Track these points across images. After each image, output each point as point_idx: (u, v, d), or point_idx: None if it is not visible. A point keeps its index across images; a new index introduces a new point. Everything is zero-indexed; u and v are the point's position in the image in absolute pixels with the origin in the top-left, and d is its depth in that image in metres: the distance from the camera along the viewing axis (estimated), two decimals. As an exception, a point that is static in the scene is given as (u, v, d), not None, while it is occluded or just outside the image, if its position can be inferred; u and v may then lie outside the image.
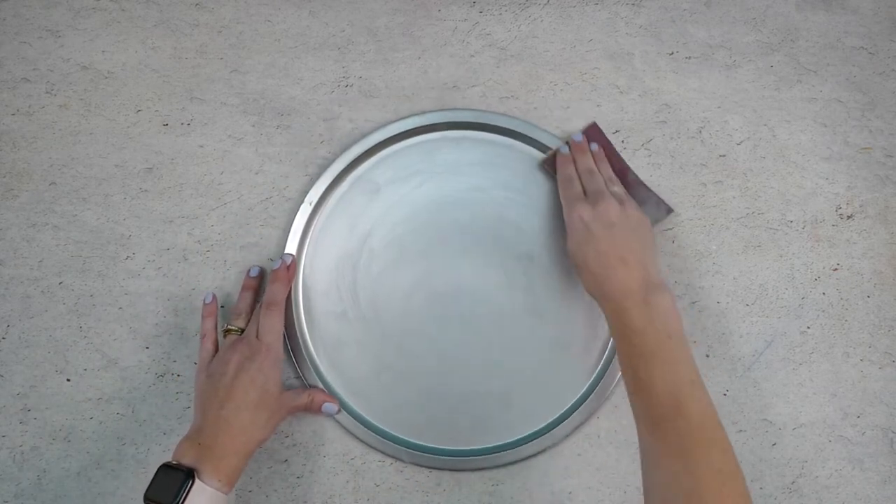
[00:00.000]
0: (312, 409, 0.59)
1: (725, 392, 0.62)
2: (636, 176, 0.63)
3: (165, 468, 0.49)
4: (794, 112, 0.67)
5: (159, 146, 0.65)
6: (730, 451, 0.47)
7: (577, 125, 0.66)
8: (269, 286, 0.59)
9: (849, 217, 0.65)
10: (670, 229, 0.64)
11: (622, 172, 0.63)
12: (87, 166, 0.64)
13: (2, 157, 0.64)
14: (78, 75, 0.65)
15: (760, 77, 0.67)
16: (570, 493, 0.60)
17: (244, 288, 0.61)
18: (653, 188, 0.63)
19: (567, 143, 0.62)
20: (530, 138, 0.64)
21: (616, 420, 0.62)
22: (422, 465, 0.60)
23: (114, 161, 0.64)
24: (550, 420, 0.61)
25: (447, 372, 0.61)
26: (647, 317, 0.50)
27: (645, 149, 0.66)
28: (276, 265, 0.60)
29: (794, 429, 0.62)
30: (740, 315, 0.63)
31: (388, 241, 0.62)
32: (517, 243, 0.62)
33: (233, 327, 0.58)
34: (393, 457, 0.60)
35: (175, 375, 0.61)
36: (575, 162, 0.61)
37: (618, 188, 0.59)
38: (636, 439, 0.61)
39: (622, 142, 0.66)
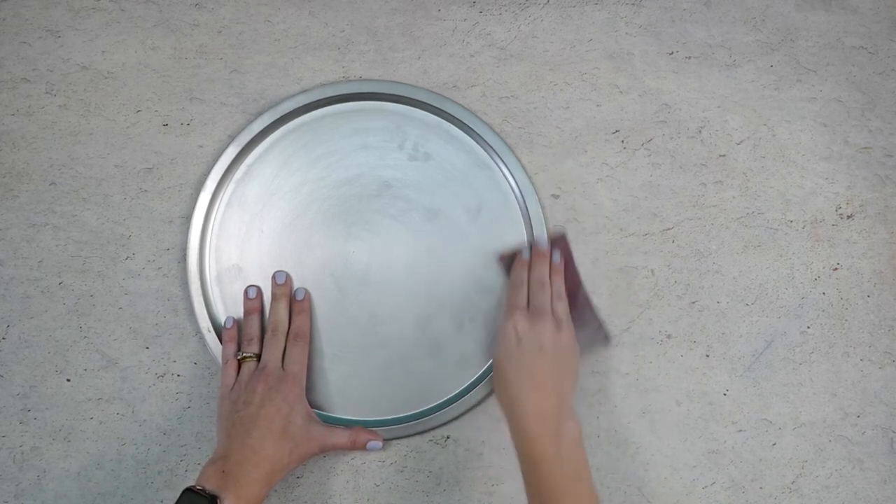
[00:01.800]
0: (356, 448, 0.59)
1: (725, 392, 0.62)
2: (587, 297, 0.62)
3: (189, 493, 0.49)
4: (793, 112, 0.67)
5: (159, 146, 0.65)
6: None
7: (576, 125, 0.66)
8: (294, 318, 0.60)
9: (849, 217, 0.65)
10: (670, 229, 0.64)
11: (574, 289, 0.62)
12: (87, 166, 0.64)
13: (2, 157, 0.64)
14: (78, 75, 0.65)
15: (760, 77, 0.67)
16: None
17: (248, 312, 0.61)
18: (598, 313, 0.62)
19: (531, 246, 0.62)
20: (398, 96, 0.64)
21: (615, 420, 0.62)
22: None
23: (114, 161, 0.64)
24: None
25: (375, 343, 0.62)
26: (557, 450, 0.51)
27: (645, 149, 0.66)
28: (300, 296, 0.61)
29: (794, 428, 0.62)
30: (740, 315, 0.63)
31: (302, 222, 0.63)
32: (418, 201, 0.63)
33: (248, 354, 0.58)
34: None
35: (175, 375, 0.61)
36: (530, 268, 0.60)
37: (561, 308, 0.58)
38: (636, 439, 0.61)
39: (622, 141, 0.66)
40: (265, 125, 0.63)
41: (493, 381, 0.58)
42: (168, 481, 0.60)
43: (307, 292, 0.62)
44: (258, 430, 0.53)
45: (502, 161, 0.64)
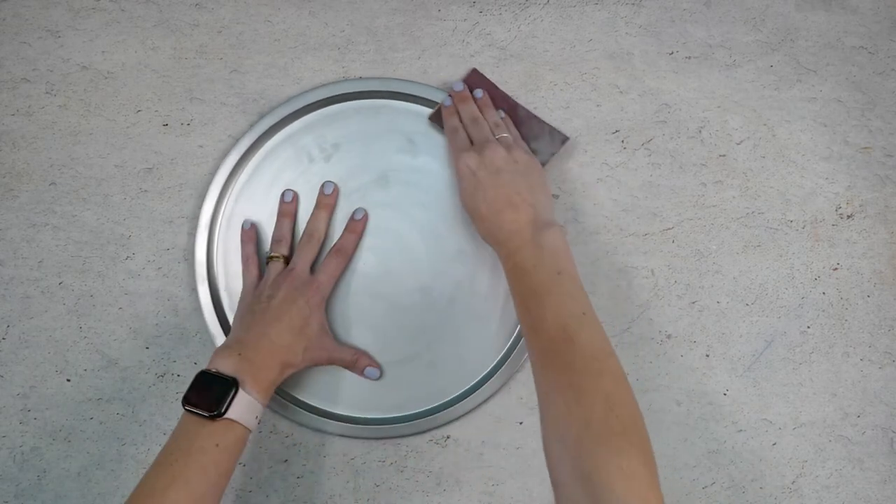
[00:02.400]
0: (355, 370, 0.60)
1: (725, 391, 0.62)
2: (527, 110, 0.62)
3: (205, 375, 0.50)
4: (793, 112, 0.67)
5: (159, 146, 0.65)
6: (621, 377, 0.46)
7: (576, 125, 0.66)
8: (345, 234, 0.61)
9: (849, 217, 0.65)
10: (670, 229, 0.64)
11: (512, 109, 0.62)
12: (87, 166, 0.64)
13: (2, 157, 0.64)
14: (78, 75, 0.65)
15: (760, 77, 0.67)
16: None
17: (282, 214, 0.61)
18: (545, 119, 0.62)
19: (450, 94, 0.62)
20: (414, 96, 0.64)
21: (616, 420, 0.62)
22: (381, 438, 0.61)
23: (114, 161, 0.64)
24: (495, 361, 0.61)
25: (378, 342, 0.62)
26: (537, 255, 0.50)
27: (645, 148, 0.66)
28: (358, 216, 0.61)
29: (795, 428, 0.62)
30: (740, 315, 0.63)
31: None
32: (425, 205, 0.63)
33: (275, 254, 0.59)
34: (341, 435, 0.60)
35: (175, 376, 0.61)
36: (459, 112, 0.61)
37: (505, 133, 0.58)
38: (636, 439, 0.61)
39: (622, 141, 0.66)
40: (272, 123, 0.63)
41: (472, 224, 0.57)
42: (168, 481, 0.60)
43: (366, 213, 0.62)
44: (278, 324, 0.54)
45: None
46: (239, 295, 0.60)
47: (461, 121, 0.60)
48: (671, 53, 0.67)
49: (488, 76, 0.65)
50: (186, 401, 0.49)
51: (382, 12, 0.67)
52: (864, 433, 0.62)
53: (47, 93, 0.65)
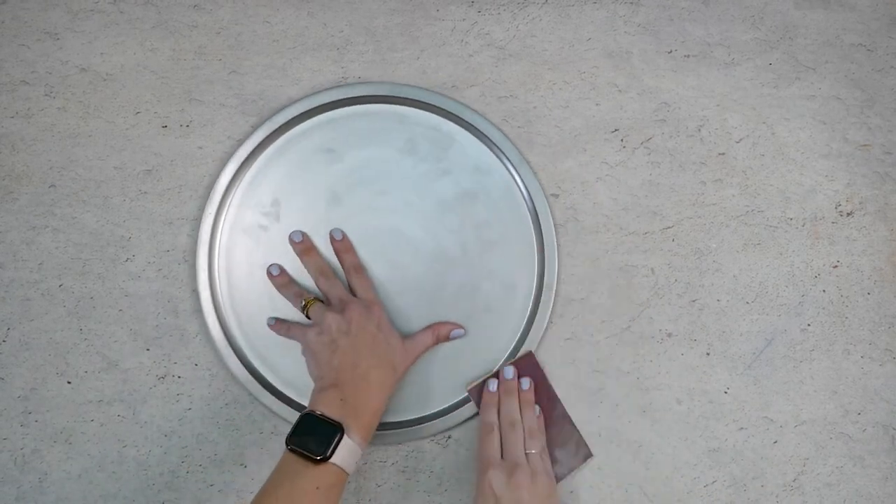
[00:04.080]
0: (441, 341, 0.61)
1: (726, 390, 0.62)
2: (564, 410, 0.61)
3: (312, 418, 0.51)
4: (793, 110, 0.67)
5: (158, 148, 0.65)
6: None
7: (575, 124, 0.66)
8: (342, 257, 0.61)
9: (848, 214, 0.65)
10: (670, 228, 0.64)
11: (550, 406, 0.61)
12: (87, 168, 0.64)
13: (1, 159, 0.64)
14: (76, 77, 0.65)
15: (759, 75, 0.67)
16: (571, 491, 0.60)
17: (283, 285, 0.61)
18: (575, 426, 0.61)
19: (497, 374, 0.61)
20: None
21: (616, 419, 0.62)
22: (389, 444, 0.61)
23: (113, 163, 0.64)
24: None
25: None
26: None
27: (644, 147, 0.66)
28: (338, 236, 0.62)
29: (796, 426, 0.62)
30: (740, 313, 0.63)
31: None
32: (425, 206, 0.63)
33: (309, 299, 0.59)
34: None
35: (176, 377, 0.61)
36: (499, 405, 0.59)
37: (536, 448, 0.57)
38: (637, 438, 0.61)
39: (621, 140, 0.66)
40: (273, 129, 0.63)
41: None
42: (169, 483, 0.60)
43: (343, 232, 0.62)
44: (364, 359, 0.54)
45: (508, 160, 0.64)
46: (239, 303, 0.61)
47: (499, 415, 0.59)
48: (670, 52, 0.67)
49: (491, 72, 0.65)
50: (293, 444, 0.50)
51: (381, 13, 0.67)
52: (864, 430, 0.62)
53: (46, 95, 0.65)
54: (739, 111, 0.66)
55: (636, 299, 0.63)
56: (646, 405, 0.62)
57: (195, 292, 0.62)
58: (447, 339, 0.61)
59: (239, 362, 0.61)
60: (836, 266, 0.64)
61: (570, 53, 0.67)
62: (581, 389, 0.62)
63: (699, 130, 0.66)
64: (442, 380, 0.62)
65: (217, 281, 0.62)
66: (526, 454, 0.56)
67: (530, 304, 0.62)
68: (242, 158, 0.63)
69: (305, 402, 0.61)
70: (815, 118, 0.67)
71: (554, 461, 0.59)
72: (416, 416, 0.61)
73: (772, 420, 0.62)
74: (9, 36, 0.66)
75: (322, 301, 0.59)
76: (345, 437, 0.50)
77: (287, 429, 0.60)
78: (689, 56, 0.67)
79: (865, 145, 0.66)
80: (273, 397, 0.60)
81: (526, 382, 0.61)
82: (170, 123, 0.65)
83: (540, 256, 0.63)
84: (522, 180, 0.64)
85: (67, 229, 0.63)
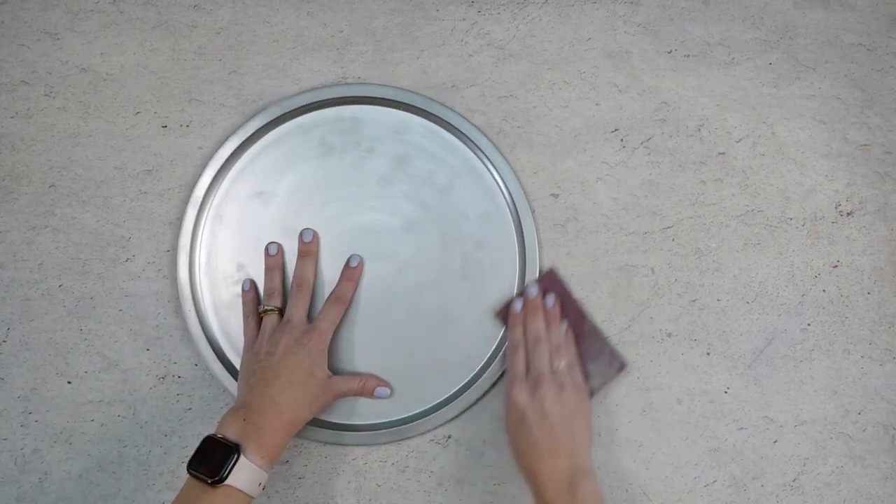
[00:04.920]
0: (364, 394, 0.60)
1: (726, 390, 0.62)
2: (593, 325, 0.61)
3: (210, 440, 0.50)
4: (792, 109, 0.67)
5: (158, 148, 0.65)
6: None
7: (575, 124, 0.66)
8: (342, 282, 0.61)
9: (848, 214, 0.65)
10: (670, 227, 0.64)
11: (578, 322, 0.61)
12: (87, 168, 0.64)
13: (1, 159, 0.64)
14: (76, 77, 0.65)
15: (759, 74, 0.67)
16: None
17: (270, 268, 0.61)
18: (607, 338, 0.61)
19: (522, 294, 0.61)
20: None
21: (616, 418, 0.62)
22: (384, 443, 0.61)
23: (113, 163, 0.64)
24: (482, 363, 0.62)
25: (374, 343, 0.62)
26: None
27: (644, 147, 0.66)
28: (354, 263, 0.61)
29: (796, 426, 0.62)
30: (741, 313, 0.63)
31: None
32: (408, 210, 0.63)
33: (269, 308, 0.58)
34: (332, 443, 0.61)
35: (176, 377, 0.61)
36: (525, 323, 0.59)
37: (563, 363, 0.57)
38: (637, 437, 0.61)
39: (621, 140, 0.66)
40: (259, 126, 0.63)
41: (510, 450, 0.57)
42: (169, 483, 0.60)
43: (361, 260, 0.61)
44: (279, 381, 0.54)
45: (493, 165, 0.64)
46: (221, 307, 0.61)
47: (525, 334, 0.59)
48: (670, 52, 0.67)
49: (490, 72, 0.65)
50: (190, 466, 0.49)
51: (381, 13, 0.67)
52: (864, 430, 0.62)
53: (46, 95, 0.65)
54: (739, 111, 0.66)
55: (636, 299, 0.63)
56: (646, 405, 0.62)
57: (178, 293, 0.62)
58: (371, 394, 0.60)
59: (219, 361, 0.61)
60: (836, 266, 0.64)
61: (570, 53, 0.67)
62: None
63: (699, 130, 0.66)
64: (431, 374, 0.61)
65: (197, 278, 0.62)
66: (553, 369, 0.56)
67: (516, 280, 0.62)
68: (227, 155, 0.63)
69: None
70: (815, 118, 0.67)
71: (587, 376, 0.59)
72: (412, 413, 0.61)
73: (772, 420, 0.62)
74: (9, 36, 0.66)
75: (281, 313, 0.59)
76: (241, 458, 0.49)
77: (287, 429, 0.61)
78: (689, 56, 0.67)
79: (865, 145, 0.66)
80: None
81: (551, 299, 0.60)
82: (170, 123, 0.65)
83: (520, 241, 0.63)
84: (507, 187, 0.63)
85: (67, 229, 0.63)
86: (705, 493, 0.61)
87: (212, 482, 0.48)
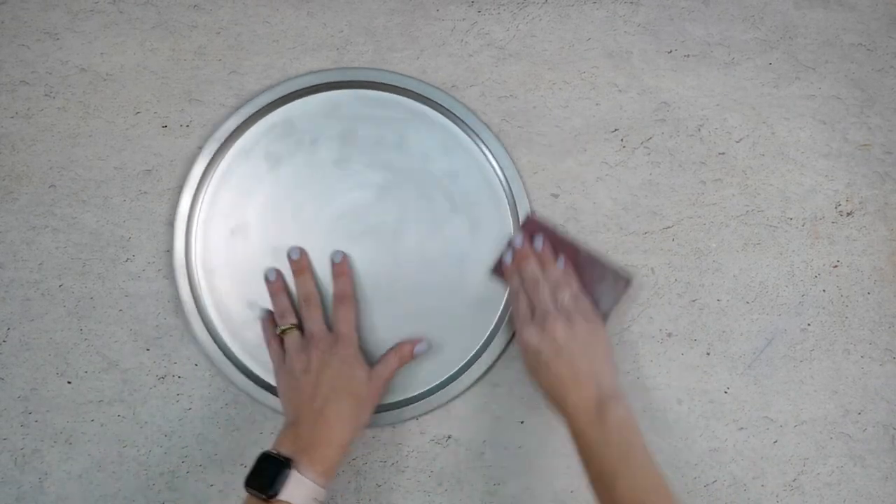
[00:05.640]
0: (405, 362, 0.60)
1: (726, 390, 0.62)
2: (588, 253, 0.61)
3: (265, 456, 0.51)
4: (793, 109, 0.67)
5: (158, 148, 0.65)
6: None
7: (575, 124, 0.66)
8: (335, 281, 0.60)
9: (848, 214, 0.65)
10: (669, 228, 0.64)
11: (572, 254, 0.61)
12: (87, 168, 0.64)
13: (1, 160, 0.64)
14: (76, 77, 0.65)
15: (759, 74, 0.67)
16: (571, 491, 0.60)
17: (274, 293, 0.61)
18: (607, 259, 0.61)
19: (510, 245, 0.61)
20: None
21: (617, 418, 0.62)
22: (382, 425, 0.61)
23: (113, 163, 0.64)
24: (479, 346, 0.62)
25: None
26: (604, 433, 0.50)
27: (644, 147, 0.66)
28: (337, 259, 0.61)
29: (796, 426, 0.62)
30: (741, 313, 0.63)
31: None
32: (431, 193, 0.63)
33: (286, 326, 0.59)
34: None
35: (176, 377, 0.61)
36: (520, 270, 0.60)
37: (566, 296, 0.57)
38: (637, 438, 0.61)
39: (621, 140, 0.66)
40: (203, 169, 0.63)
41: (538, 391, 0.57)
42: (169, 483, 0.60)
43: (344, 254, 0.62)
44: (321, 395, 0.54)
45: (433, 101, 0.64)
46: (225, 309, 0.61)
47: (522, 280, 0.59)
48: (670, 52, 0.67)
49: (490, 72, 0.65)
50: (247, 482, 0.50)
51: (381, 12, 0.67)
52: (865, 430, 0.62)
53: (46, 95, 0.65)
54: (739, 111, 0.66)
55: (636, 299, 0.63)
56: (646, 405, 0.62)
57: (177, 294, 0.62)
58: (412, 357, 0.60)
59: (232, 366, 0.61)
60: (836, 266, 0.64)
61: (570, 53, 0.67)
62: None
63: (699, 130, 0.66)
64: (466, 317, 0.62)
65: (196, 276, 0.62)
66: (558, 304, 0.56)
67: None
68: (213, 151, 0.63)
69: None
70: (815, 118, 0.67)
71: (596, 300, 0.59)
72: (407, 397, 0.61)
73: (772, 420, 0.62)
74: (8, 36, 0.66)
75: (300, 328, 0.59)
76: (294, 472, 0.49)
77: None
78: (689, 56, 0.67)
79: (865, 145, 0.66)
80: (274, 396, 0.60)
81: (539, 241, 0.61)
82: (170, 123, 0.65)
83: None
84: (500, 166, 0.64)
85: (67, 229, 0.63)
86: (705, 493, 0.61)
87: (266, 497, 0.48)
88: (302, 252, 0.61)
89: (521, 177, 0.64)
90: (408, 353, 0.60)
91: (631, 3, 0.68)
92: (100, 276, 0.63)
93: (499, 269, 0.62)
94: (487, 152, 0.64)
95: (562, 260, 0.60)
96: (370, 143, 0.63)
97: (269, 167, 0.63)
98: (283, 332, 0.58)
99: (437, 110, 0.64)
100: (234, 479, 0.60)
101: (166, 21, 0.67)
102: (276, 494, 0.48)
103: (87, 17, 0.66)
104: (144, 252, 0.63)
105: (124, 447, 0.60)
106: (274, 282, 0.61)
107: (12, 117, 0.65)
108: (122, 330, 0.62)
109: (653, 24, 0.68)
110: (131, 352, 0.62)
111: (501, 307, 0.62)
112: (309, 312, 0.59)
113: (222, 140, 0.63)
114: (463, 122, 0.64)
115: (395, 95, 0.64)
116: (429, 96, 0.64)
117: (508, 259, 0.61)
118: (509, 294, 0.60)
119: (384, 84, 0.64)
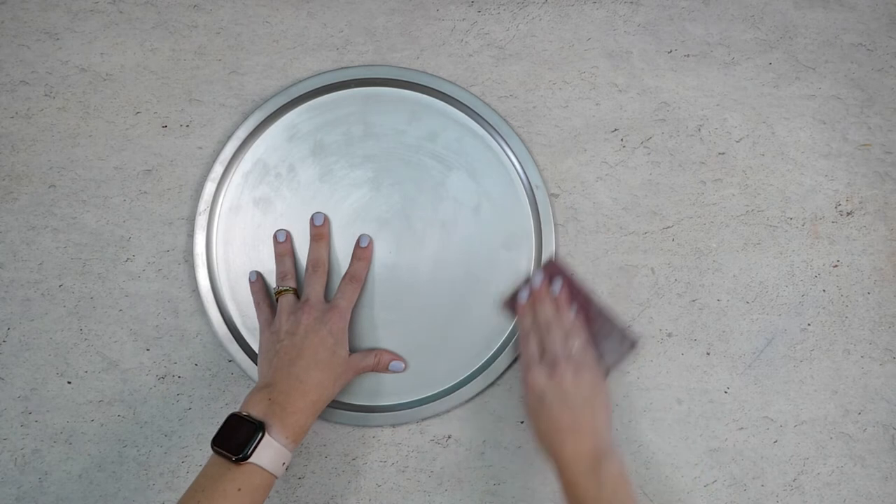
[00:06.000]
0: (379, 369, 0.60)
1: (726, 390, 0.62)
2: (600, 307, 0.61)
3: (235, 418, 0.50)
4: (792, 109, 0.67)
5: (158, 148, 0.65)
6: None
7: (575, 124, 0.66)
8: (354, 262, 0.61)
9: (848, 214, 0.65)
10: (669, 227, 0.64)
11: (586, 305, 0.61)
12: (87, 168, 0.64)
13: (1, 159, 0.64)
14: (76, 77, 0.65)
15: (759, 74, 0.67)
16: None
17: (281, 254, 0.61)
18: (616, 316, 0.61)
19: (527, 283, 0.61)
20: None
21: (616, 418, 0.62)
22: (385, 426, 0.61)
23: (113, 163, 0.64)
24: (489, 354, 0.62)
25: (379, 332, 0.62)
26: (598, 488, 0.50)
27: (644, 147, 0.66)
28: (364, 243, 0.61)
29: (796, 426, 0.62)
30: (741, 312, 0.63)
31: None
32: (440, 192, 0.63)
33: (285, 287, 0.59)
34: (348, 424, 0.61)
35: (176, 377, 0.61)
36: (534, 311, 0.59)
37: (576, 344, 0.57)
38: (637, 437, 0.61)
39: (621, 140, 0.66)
40: (217, 180, 0.63)
41: (532, 432, 0.57)
42: (169, 483, 0.60)
43: (371, 240, 0.62)
44: (303, 360, 0.54)
45: (409, 81, 0.65)
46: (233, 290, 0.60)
47: (535, 321, 0.59)
48: (670, 52, 0.67)
49: (490, 72, 0.65)
50: (214, 443, 0.49)
51: (381, 12, 0.67)
52: (865, 430, 0.62)
53: (46, 95, 0.65)
54: (739, 111, 0.66)
55: (636, 299, 0.63)
56: (646, 405, 0.62)
57: (195, 292, 0.62)
58: (385, 369, 0.60)
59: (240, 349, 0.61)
60: (836, 266, 0.64)
61: (569, 53, 0.67)
62: (581, 389, 0.62)
63: (699, 130, 0.66)
64: (439, 363, 0.62)
65: (217, 273, 0.62)
66: (568, 351, 0.56)
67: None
68: (235, 147, 0.63)
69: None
70: (815, 118, 0.66)
71: (600, 355, 0.60)
72: (417, 398, 0.61)
73: (772, 420, 0.62)
74: (8, 36, 0.66)
75: (296, 294, 0.59)
76: (266, 436, 0.49)
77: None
78: (689, 56, 0.67)
79: (865, 145, 0.66)
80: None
81: (557, 285, 0.61)
82: (170, 123, 0.65)
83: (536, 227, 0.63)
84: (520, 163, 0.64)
85: (67, 229, 0.63)
86: (705, 493, 0.61)
87: (236, 459, 0.48)
88: (326, 219, 0.62)
89: (494, 109, 0.64)
90: (385, 362, 0.60)
91: (631, 3, 0.68)
92: (100, 276, 0.63)
93: (511, 303, 0.62)
94: (455, 103, 0.64)
95: (574, 307, 0.61)
96: (341, 146, 0.63)
97: (263, 212, 0.63)
98: (280, 292, 0.58)
99: (392, 87, 0.64)
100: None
101: (166, 21, 0.67)
102: (246, 458, 0.48)
103: (87, 17, 0.66)
104: (144, 252, 0.63)
105: (124, 447, 0.60)
106: (283, 243, 0.61)
107: (12, 117, 0.65)
108: (122, 330, 0.62)
109: (653, 24, 0.68)
110: (131, 352, 0.62)
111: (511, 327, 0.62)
112: (313, 279, 0.59)
113: (208, 206, 0.63)
114: (422, 86, 0.64)
115: (347, 91, 0.64)
116: (381, 76, 0.64)
117: (524, 297, 0.61)
118: (520, 332, 0.60)
119: (334, 84, 0.64)
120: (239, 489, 0.48)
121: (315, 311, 0.56)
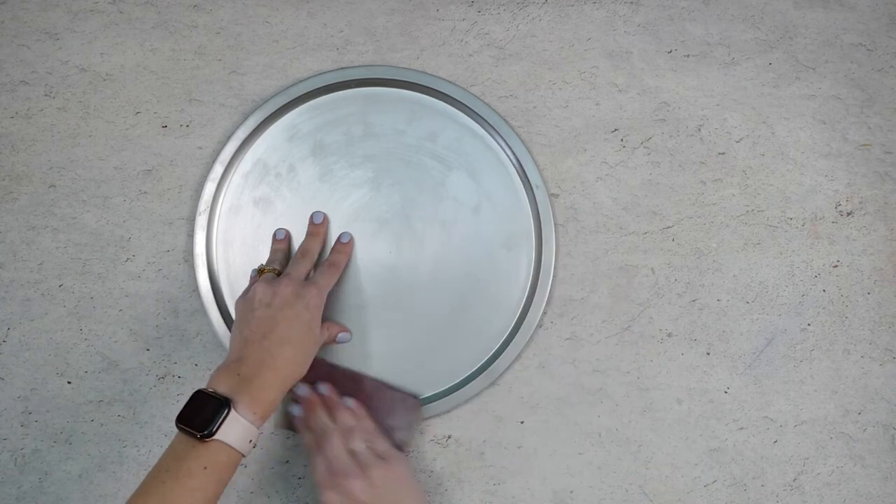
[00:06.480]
0: (329, 342, 0.59)
1: (726, 390, 0.62)
2: (372, 380, 0.60)
3: (201, 394, 0.48)
4: (792, 109, 0.67)
5: (158, 148, 0.65)
6: None
7: (575, 124, 0.66)
8: (332, 253, 0.61)
9: (848, 214, 0.65)
10: (670, 227, 0.64)
11: (357, 386, 0.59)
12: (87, 168, 0.64)
13: (1, 160, 0.64)
14: (76, 77, 0.65)
15: (759, 74, 0.67)
16: (571, 491, 0.60)
17: (276, 249, 0.61)
18: (391, 383, 0.60)
19: (295, 399, 0.58)
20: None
21: (616, 418, 0.62)
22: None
23: (113, 163, 0.64)
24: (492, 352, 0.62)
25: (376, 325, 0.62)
26: None
27: (644, 147, 0.66)
28: (345, 239, 0.62)
29: (796, 426, 0.62)
30: (741, 312, 0.63)
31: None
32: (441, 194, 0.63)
33: (269, 268, 0.58)
34: None
35: (176, 377, 0.61)
36: (309, 424, 0.56)
37: (358, 442, 0.54)
38: (637, 437, 0.61)
39: (621, 140, 0.66)
40: (217, 180, 0.63)
41: None
42: (169, 483, 0.60)
43: (352, 237, 0.62)
44: (276, 335, 0.52)
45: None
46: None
47: (314, 436, 0.56)
48: (670, 52, 0.67)
49: (490, 72, 0.65)
50: (178, 419, 0.47)
51: (381, 12, 0.67)
52: (865, 430, 0.62)
53: (46, 95, 0.65)
54: (739, 111, 0.66)
55: (636, 299, 0.63)
56: (646, 405, 0.62)
57: (195, 292, 0.62)
58: (334, 341, 0.60)
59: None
60: (836, 266, 0.64)
61: (569, 53, 0.67)
62: (581, 389, 0.62)
63: (699, 130, 0.66)
64: (439, 363, 0.62)
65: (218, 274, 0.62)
66: (352, 453, 0.53)
67: (529, 279, 0.63)
68: (235, 147, 0.63)
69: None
70: (815, 118, 0.67)
71: (392, 431, 0.58)
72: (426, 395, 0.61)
73: (772, 420, 0.62)
74: (8, 36, 0.66)
75: (279, 275, 0.58)
76: (232, 412, 0.47)
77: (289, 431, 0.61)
78: (689, 56, 0.67)
79: (865, 145, 0.66)
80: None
81: (324, 389, 0.58)
82: (170, 123, 0.65)
83: (537, 230, 0.63)
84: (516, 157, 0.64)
85: (67, 229, 0.63)
86: (705, 493, 0.61)
87: (200, 437, 0.46)
88: (325, 218, 0.62)
89: (494, 109, 0.64)
90: (334, 335, 0.59)
91: (631, 3, 0.68)
92: (100, 276, 0.63)
93: (287, 424, 0.59)
94: (455, 103, 0.64)
95: (348, 400, 0.58)
96: (341, 146, 0.64)
97: (263, 212, 0.63)
98: (263, 270, 0.58)
99: (392, 87, 0.64)
100: (234, 479, 0.60)
101: (166, 21, 0.67)
102: (212, 434, 0.46)
103: (86, 18, 0.66)
104: (144, 252, 0.63)
105: (124, 447, 0.60)
106: (281, 240, 0.62)
107: (12, 117, 0.65)
108: (121, 330, 0.62)
109: (653, 24, 0.68)
110: (131, 352, 0.62)
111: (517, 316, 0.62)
112: (298, 262, 0.58)
113: (208, 206, 0.62)
114: (422, 86, 0.64)
115: (347, 91, 0.64)
116: (381, 76, 0.64)
117: (297, 411, 0.57)
118: (306, 453, 0.56)
119: (334, 84, 0.64)
120: (205, 467, 0.46)
121: (293, 284, 0.55)
